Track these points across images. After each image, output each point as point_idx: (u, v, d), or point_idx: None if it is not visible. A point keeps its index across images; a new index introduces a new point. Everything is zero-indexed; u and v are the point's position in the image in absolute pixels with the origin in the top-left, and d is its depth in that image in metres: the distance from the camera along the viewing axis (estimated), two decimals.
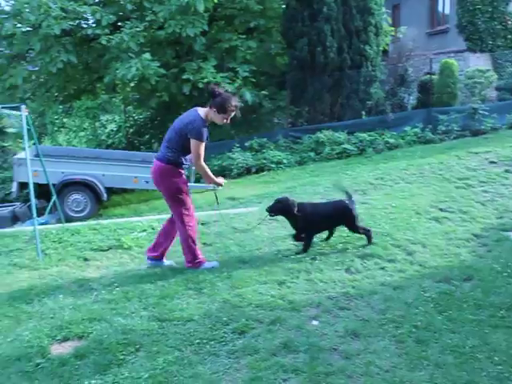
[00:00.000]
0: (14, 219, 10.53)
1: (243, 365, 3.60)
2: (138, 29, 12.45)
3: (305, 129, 14.23)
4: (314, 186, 9.41)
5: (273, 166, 12.93)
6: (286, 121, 15.10)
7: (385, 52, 15.41)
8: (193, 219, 5.43)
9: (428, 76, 15.13)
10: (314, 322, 4.16)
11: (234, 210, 8.07)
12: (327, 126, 13.82)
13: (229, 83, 12.79)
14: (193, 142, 5.07)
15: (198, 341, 3.91)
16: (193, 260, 5.40)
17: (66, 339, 4.08)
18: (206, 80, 12.53)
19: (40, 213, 10.71)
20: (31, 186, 6.56)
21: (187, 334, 4.02)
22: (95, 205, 10.73)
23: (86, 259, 6.02)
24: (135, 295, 4.79)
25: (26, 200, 11.30)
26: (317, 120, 14.38)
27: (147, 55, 11.97)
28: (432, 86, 14.58)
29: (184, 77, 12.76)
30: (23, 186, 11.10)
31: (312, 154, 13.37)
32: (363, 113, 14.12)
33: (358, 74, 14.18)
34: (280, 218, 7.25)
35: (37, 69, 14.54)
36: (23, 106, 6.64)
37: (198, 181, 12.06)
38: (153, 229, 6.89)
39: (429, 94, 14.62)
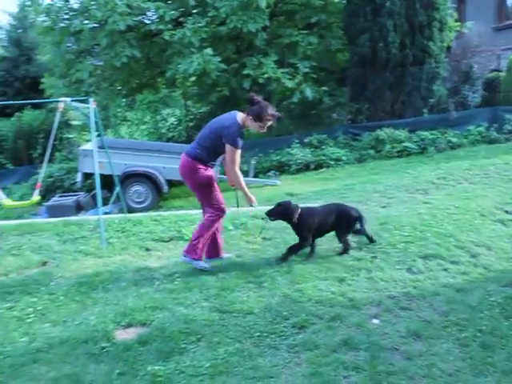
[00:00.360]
0: (78, 208, 10.88)
1: (303, 359, 3.61)
2: (199, 24, 12.60)
3: (364, 126, 14.05)
4: (373, 184, 9.28)
5: (331, 162, 12.84)
6: (345, 117, 14.95)
7: (448, 48, 14.98)
8: (221, 213, 5.34)
9: (495, 73, 14.63)
10: (375, 321, 4.12)
11: None
12: (387, 124, 13.60)
13: (289, 79, 12.79)
14: (228, 147, 5.02)
15: (258, 334, 3.95)
16: (193, 248, 5.29)
17: (129, 325, 4.20)
18: (266, 75, 12.56)
19: (104, 203, 11.06)
20: (97, 177, 6.76)
21: (247, 327, 4.06)
22: (156, 196, 10.96)
23: (147, 249, 6.15)
24: (196, 286, 4.87)
25: (90, 190, 11.67)
26: (377, 117, 14.17)
27: (209, 50, 12.10)
28: (499, 84, 14.09)
29: (244, 72, 12.82)
30: (87, 176, 11.49)
31: (371, 152, 13.20)
32: (425, 110, 13.80)
33: (420, 71, 13.86)
34: None
35: (101, 63, 15.00)
36: (91, 100, 6.84)
37: (256, 176, 12.14)
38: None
39: (495, 92, 14.14)
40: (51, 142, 7.40)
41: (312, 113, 15.38)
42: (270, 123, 5.13)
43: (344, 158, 13.05)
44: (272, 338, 3.88)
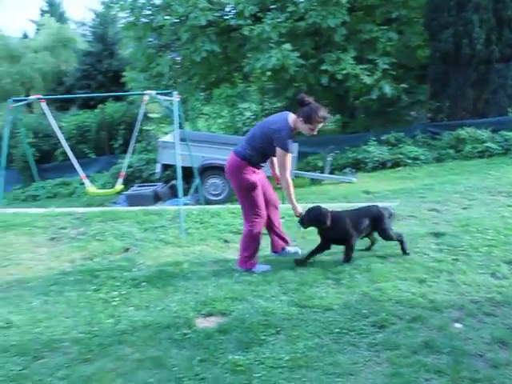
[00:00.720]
0: (156, 198, 11.21)
1: (383, 359, 3.56)
2: (278, 20, 12.62)
3: (445, 125, 13.63)
4: (453, 185, 9.00)
5: (409, 161, 12.56)
6: (424, 116, 14.57)
7: None
8: (262, 221, 5.25)
9: None
10: (457, 325, 4.00)
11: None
12: (469, 123, 13.13)
13: (368, 75, 12.59)
14: (278, 151, 4.91)
15: (337, 330, 3.93)
16: (245, 260, 5.26)
17: (209, 314, 4.30)
18: (344, 71, 12.43)
19: None
20: (179, 169, 6.93)
21: (326, 323, 4.05)
22: (231, 190, 11.09)
23: (225, 241, 6.26)
24: (274, 280, 4.91)
25: (167, 181, 11.99)
26: (458, 116, 13.72)
27: (288, 45, 12.10)
28: None
29: (322, 68, 12.74)
30: (166, 167, 11.79)
31: (451, 152, 12.79)
32: (510, 110, 13.22)
33: (507, 68, 13.28)
34: (418, 214, 7.12)
35: (179, 58, 15.34)
36: (175, 93, 7.02)
37: (331, 172, 12.06)
38: (290, 216, 6.96)
39: None
40: (135, 133, 7.67)
41: (390, 110, 15.09)
42: (320, 125, 4.98)
43: (422, 157, 12.72)
44: (351, 336, 3.86)
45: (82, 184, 15.11)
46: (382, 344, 3.73)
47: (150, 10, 15.03)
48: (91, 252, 6.19)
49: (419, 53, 15.60)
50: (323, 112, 4.88)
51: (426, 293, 4.54)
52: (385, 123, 15.07)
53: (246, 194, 5.18)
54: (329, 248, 5.39)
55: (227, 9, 14.31)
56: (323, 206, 5.43)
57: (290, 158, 4.98)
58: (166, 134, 16.05)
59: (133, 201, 10.85)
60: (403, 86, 13.64)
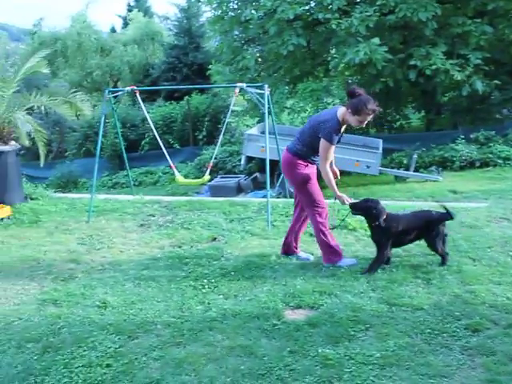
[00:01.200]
0: (239, 190, 11.38)
1: (478, 364, 3.45)
2: (367, 13, 12.39)
3: None
4: None
5: (499, 161, 12.04)
6: None
7: None
8: (324, 211, 5.21)
9: None
10: None
11: (460, 204, 7.70)
12: None
13: (458, 71, 12.13)
14: (322, 142, 4.86)
15: (428, 330, 3.85)
16: (327, 258, 5.23)
17: (298, 307, 4.33)
18: (434, 67, 12.02)
19: (262, 187, 11.45)
20: (267, 162, 6.99)
21: (417, 322, 3.98)
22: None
23: (311, 235, 6.22)
24: (363, 276, 4.86)
25: (250, 173, 12.13)
26: None
27: (376, 40, 11.86)
28: None
29: (411, 63, 12.39)
30: (249, 160, 11.94)
31: None
32: None
33: None
34: (510, 216, 6.82)
35: (264, 51, 15.42)
36: (266, 86, 7.08)
37: (416, 170, 11.77)
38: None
39: None
40: (225, 124, 7.81)
41: (480, 107, 14.49)
42: (369, 118, 4.84)
43: None
44: (444, 337, 3.76)
45: (166, 173, 15.73)
46: (477, 348, 3.61)
47: (237, 3, 15.23)
48: (179, 240, 6.37)
49: None
50: (372, 104, 4.79)
51: None
52: (474, 121, 14.50)
53: (302, 188, 5.20)
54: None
55: (313, 3, 14.24)
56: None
57: (332, 150, 4.94)
58: (248, 126, 16.25)
59: (216, 191, 11.07)
60: (496, 82, 13.03)
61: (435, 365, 3.42)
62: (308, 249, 5.77)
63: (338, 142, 5.02)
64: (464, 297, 4.39)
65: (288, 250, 5.56)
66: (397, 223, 5.03)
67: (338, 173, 5.45)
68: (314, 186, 5.19)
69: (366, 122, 4.91)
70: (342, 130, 5.03)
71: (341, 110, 4.91)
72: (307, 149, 5.06)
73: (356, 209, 5.16)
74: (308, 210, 5.27)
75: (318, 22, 13.81)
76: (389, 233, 4.98)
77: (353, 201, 5.18)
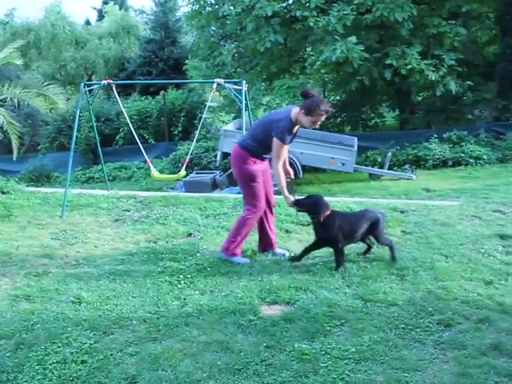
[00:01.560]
0: (214, 186, 11.35)
1: (450, 357, 3.52)
2: (345, 12, 12.47)
3: (511, 124, 13.20)
4: None
5: (471, 160, 12.26)
6: (490, 114, 14.14)
7: None
8: (258, 211, 5.27)
9: None
10: None
11: (433, 202, 7.82)
12: None
13: (433, 71, 12.30)
14: (274, 140, 4.92)
15: (402, 326, 3.91)
16: (228, 247, 5.31)
17: (274, 302, 4.35)
18: (409, 66, 12.18)
19: (237, 183, 11.44)
20: None
21: (391, 318, 4.04)
22: (290, 181, 11.09)
23: (287, 231, 6.29)
24: (338, 272, 4.91)
25: (225, 169, 12.11)
26: None
27: (353, 38, 11.95)
28: None
29: (387, 62, 12.53)
30: (225, 156, 11.91)
31: None
32: None
33: None
34: (482, 215, 6.96)
35: (241, 48, 15.39)
36: (244, 82, 7.09)
37: (390, 168, 11.91)
38: (351, 210, 6.95)
39: None
40: (202, 120, 7.78)
41: (453, 107, 14.73)
42: (322, 118, 4.92)
43: (485, 156, 12.40)
44: (417, 332, 3.83)
45: (140, 168, 15.59)
46: (449, 343, 3.68)
47: None
48: (155, 235, 6.34)
49: (487, 49, 15.13)
50: (325, 105, 4.86)
51: (494, 295, 4.46)
52: (447, 121, 14.74)
53: (246, 183, 5.26)
54: (321, 246, 5.25)
55: (291, 0, 14.26)
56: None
57: (285, 149, 5.01)
58: (224, 122, 16.23)
59: (191, 187, 11.03)
60: (468, 83, 13.25)
61: (409, 359, 3.48)
62: (284, 245, 5.80)
63: (291, 141, 5.10)
64: (437, 293, 4.47)
65: (263, 247, 5.59)
66: (341, 220, 5.08)
67: (292, 172, 5.53)
68: (258, 185, 5.23)
69: (319, 123, 4.97)
70: (295, 130, 5.08)
71: (294, 110, 4.96)
72: (258, 145, 5.10)
73: (300, 205, 5.19)
74: (245, 204, 5.34)
75: (295, 19, 13.85)
76: (333, 229, 5.00)
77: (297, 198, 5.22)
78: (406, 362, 3.44)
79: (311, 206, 5.09)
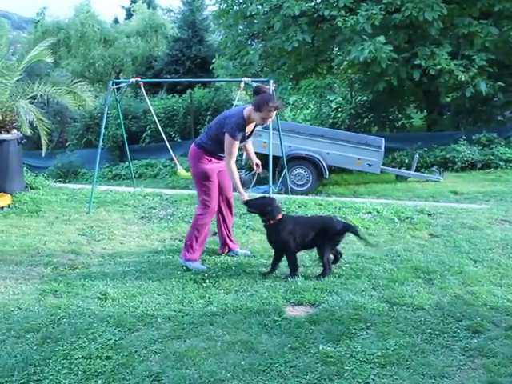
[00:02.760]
0: None
1: (479, 365, 3.44)
2: (373, 11, 12.36)
3: None
4: None
5: (501, 163, 12.06)
6: None
7: None
8: (210, 210, 5.20)
9: None
10: None
11: (461, 205, 7.70)
12: None
13: (462, 71, 12.12)
14: (226, 136, 4.87)
15: (429, 330, 3.85)
16: (188, 249, 5.23)
17: (299, 303, 4.32)
18: (438, 67, 12.01)
19: (263, 182, 11.40)
20: (270, 158, 6.98)
21: (418, 322, 3.97)
22: (316, 181, 11.05)
23: (250, 227, 6.23)
24: (364, 274, 4.86)
25: (251, 168, 12.09)
26: None
27: (381, 38, 11.84)
28: None
29: (415, 62, 12.38)
30: None
31: None
32: None
33: None
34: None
35: (268, 47, 15.36)
36: (271, 81, 7.07)
37: (418, 170, 11.77)
38: (378, 212, 6.88)
39: None
40: None
41: (482, 109, 14.48)
42: (272, 114, 4.86)
43: None
44: (444, 338, 3.76)
45: (166, 166, 15.69)
46: (478, 350, 3.60)
47: None
48: (180, 233, 6.36)
49: None
50: (274, 102, 4.81)
51: None
52: (476, 122, 14.50)
53: (199, 182, 5.24)
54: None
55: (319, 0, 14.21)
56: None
57: (236, 146, 4.93)
58: None
59: None
60: (499, 84, 13.00)
61: (436, 365, 3.42)
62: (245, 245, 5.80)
63: (243, 140, 5.05)
64: (465, 298, 4.39)
65: (228, 248, 5.55)
66: (293, 225, 4.93)
67: (259, 164, 5.46)
68: (212, 185, 5.19)
69: (269, 120, 4.95)
70: (250, 128, 5.05)
71: (247, 108, 4.94)
72: (213, 143, 5.07)
73: (251, 206, 5.06)
74: (198, 203, 5.30)
75: (322, 18, 13.80)
76: (284, 233, 4.84)
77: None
78: (432, 368, 3.38)
79: (262, 207, 4.97)
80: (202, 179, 5.19)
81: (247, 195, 5.10)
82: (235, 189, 5.15)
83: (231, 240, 5.60)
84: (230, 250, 5.58)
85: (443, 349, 3.63)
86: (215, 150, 5.11)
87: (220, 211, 5.47)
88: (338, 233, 4.93)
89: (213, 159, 5.16)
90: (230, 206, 5.53)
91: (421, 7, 12.01)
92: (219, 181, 5.27)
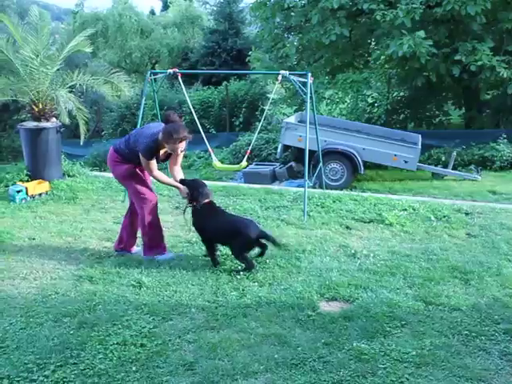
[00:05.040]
0: (273, 178, 11.32)
1: None
2: (414, 5, 12.12)
3: None
4: None
5: None
6: None
7: None
8: (149, 203, 5.18)
9: None
10: None
11: (500, 205, 7.53)
12: None
13: (505, 68, 11.80)
14: (141, 156, 4.92)
15: (466, 332, 3.78)
16: (147, 250, 5.26)
17: (333, 299, 4.30)
18: (479, 63, 11.69)
19: (297, 176, 11.38)
20: (306, 152, 6.93)
21: (454, 323, 3.91)
22: (351, 176, 10.94)
23: (347, 227, 6.18)
24: (399, 272, 4.80)
25: (285, 162, 12.08)
26: None
27: (421, 33, 11.60)
28: None
29: (456, 58, 12.10)
30: (286, 148, 11.88)
31: None
32: None
33: None
34: None
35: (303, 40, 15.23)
36: (309, 74, 7.01)
37: (455, 168, 11.56)
38: (414, 209, 6.77)
39: None
40: (265, 113, 7.74)
41: None
42: (181, 145, 4.84)
43: None
44: (482, 340, 3.69)
45: (201, 158, 15.75)
46: None
47: None
48: None
49: None
50: (178, 133, 4.74)
51: None
52: None
53: (124, 182, 5.35)
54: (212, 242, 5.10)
55: None
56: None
57: (152, 163, 4.97)
58: (285, 115, 16.16)
59: (250, 178, 11.03)
60: None
61: (472, 368, 3.36)
62: (344, 242, 5.72)
63: (160, 158, 5.09)
64: (503, 300, 4.30)
65: (124, 247, 5.48)
66: (214, 216, 5.08)
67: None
68: (137, 180, 5.19)
69: (180, 150, 4.92)
70: (166, 151, 5.03)
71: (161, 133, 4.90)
72: (130, 152, 5.08)
73: (184, 183, 5.20)
74: (135, 202, 5.27)
75: (361, 12, 13.59)
76: (202, 219, 5.06)
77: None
78: (469, 371, 3.32)
79: (193, 187, 5.12)
80: (125, 179, 5.27)
81: (182, 186, 5.17)
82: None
83: (133, 240, 5.49)
84: (124, 249, 5.46)
85: (480, 351, 3.56)
86: (132, 159, 5.11)
87: (132, 210, 5.42)
88: (250, 240, 4.93)
89: (129, 163, 5.17)
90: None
91: (463, 1, 11.69)
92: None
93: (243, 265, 4.89)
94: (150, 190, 5.30)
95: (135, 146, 4.96)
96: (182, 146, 4.89)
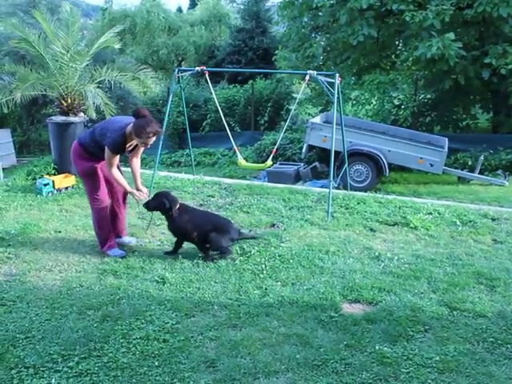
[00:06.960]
0: (297, 178, 11.30)
1: None
2: (444, 7, 11.98)
3: None
4: None
5: None
6: None
7: None
8: (101, 204, 5.24)
9: None
10: None
11: None
12: None
13: None
14: (106, 149, 4.90)
15: (491, 339, 3.73)
16: (100, 243, 5.36)
17: (356, 301, 4.28)
18: (510, 66, 11.52)
19: (320, 177, 11.35)
20: (332, 152, 6.90)
21: (479, 329, 3.86)
22: (375, 178, 10.87)
23: (372, 229, 6.14)
24: (423, 276, 4.75)
25: (309, 162, 12.05)
26: None
27: (451, 35, 11.46)
28: None
29: (485, 61, 11.93)
30: (311, 148, 11.85)
31: None
32: None
33: None
34: None
35: (331, 40, 15.15)
36: (337, 75, 6.98)
37: (481, 172, 11.39)
38: (439, 213, 6.70)
39: None
40: (291, 112, 7.74)
41: None
42: (151, 140, 4.81)
43: None
44: (507, 348, 3.63)
45: (225, 155, 15.81)
46: None
47: None
48: (238, 223, 6.36)
49: None
50: (151, 127, 4.74)
51: None
52: None
53: (83, 178, 5.40)
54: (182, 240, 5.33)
55: None
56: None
57: (116, 158, 5.01)
58: (310, 115, 16.12)
59: (273, 178, 11.03)
60: None
61: (498, 376, 3.31)
62: (367, 244, 5.69)
63: (131, 151, 5.16)
64: None
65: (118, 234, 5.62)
66: (189, 216, 5.19)
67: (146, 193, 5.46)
68: (96, 178, 5.23)
69: (149, 144, 4.90)
70: (132, 144, 5.03)
71: (129, 127, 4.88)
72: (94, 145, 5.08)
73: (150, 208, 5.30)
74: (88, 200, 5.35)
75: (389, 12, 13.47)
76: (183, 221, 5.13)
77: (146, 198, 5.36)
78: (494, 379, 3.28)
79: (161, 206, 5.19)
80: (84, 175, 5.30)
81: (136, 192, 5.26)
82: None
83: (122, 227, 5.66)
84: (119, 236, 5.62)
85: (506, 360, 3.51)
86: (96, 152, 5.12)
87: (113, 204, 5.51)
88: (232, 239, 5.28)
89: (93, 158, 5.19)
90: (124, 196, 5.62)
91: (495, 3, 11.51)
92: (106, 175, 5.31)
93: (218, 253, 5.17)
94: (105, 192, 5.35)
95: (102, 139, 4.99)
96: (153, 139, 4.92)
